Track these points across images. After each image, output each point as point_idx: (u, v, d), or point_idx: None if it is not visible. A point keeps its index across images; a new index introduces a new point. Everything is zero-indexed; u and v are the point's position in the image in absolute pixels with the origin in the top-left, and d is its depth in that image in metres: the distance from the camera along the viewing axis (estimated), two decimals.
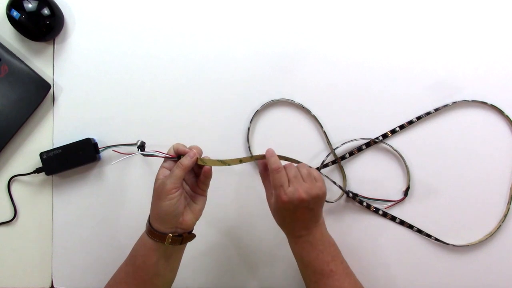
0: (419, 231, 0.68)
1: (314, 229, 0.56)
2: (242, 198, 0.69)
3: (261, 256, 0.70)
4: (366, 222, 0.69)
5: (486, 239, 0.68)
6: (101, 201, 0.69)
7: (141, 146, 0.58)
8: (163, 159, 0.55)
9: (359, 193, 0.68)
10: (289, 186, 0.54)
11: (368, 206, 0.68)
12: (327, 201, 0.68)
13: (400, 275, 0.69)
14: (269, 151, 0.57)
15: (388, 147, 0.68)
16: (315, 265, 0.55)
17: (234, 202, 0.69)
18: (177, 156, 0.54)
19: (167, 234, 0.52)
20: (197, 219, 0.55)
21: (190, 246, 0.57)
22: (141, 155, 0.56)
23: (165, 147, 0.71)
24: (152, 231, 0.53)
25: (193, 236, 0.56)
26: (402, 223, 0.68)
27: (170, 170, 0.53)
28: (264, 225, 0.69)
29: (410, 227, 0.68)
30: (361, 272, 0.69)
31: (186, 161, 0.53)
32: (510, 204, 0.67)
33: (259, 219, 0.69)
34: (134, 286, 0.54)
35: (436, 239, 0.68)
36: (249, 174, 0.69)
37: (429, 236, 0.68)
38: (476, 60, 0.68)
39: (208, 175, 0.55)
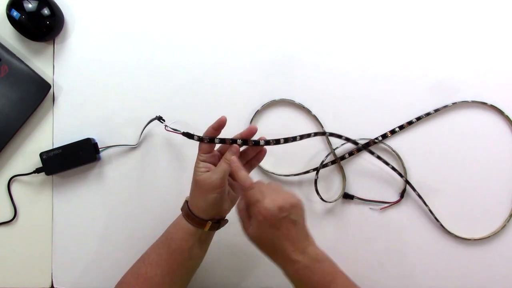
0: (434, 218, 0.68)
1: (308, 249, 0.51)
2: None
3: (262, 256, 0.69)
4: (364, 220, 0.69)
5: (489, 237, 0.68)
6: (101, 201, 0.69)
7: (159, 119, 0.64)
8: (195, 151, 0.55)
9: (358, 194, 0.68)
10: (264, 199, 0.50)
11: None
12: (325, 201, 0.68)
13: (397, 273, 0.69)
14: (234, 160, 0.53)
15: (387, 147, 0.68)
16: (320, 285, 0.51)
17: None
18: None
19: (207, 221, 0.54)
20: (233, 206, 0.57)
21: None
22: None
23: (165, 147, 0.71)
24: (192, 217, 0.54)
25: (227, 221, 0.58)
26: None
27: (210, 162, 0.54)
28: None
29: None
30: (358, 271, 0.69)
31: (229, 156, 0.53)
32: None
33: None
34: (167, 269, 0.55)
35: (442, 226, 0.68)
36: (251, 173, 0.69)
37: (436, 220, 0.67)
38: (475, 61, 0.68)
39: (261, 159, 0.57)
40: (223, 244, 0.70)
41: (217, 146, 0.57)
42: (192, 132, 0.56)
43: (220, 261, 0.69)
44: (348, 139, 0.67)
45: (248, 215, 0.53)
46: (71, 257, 0.69)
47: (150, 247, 0.58)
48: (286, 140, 0.57)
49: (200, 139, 0.54)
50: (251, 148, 0.57)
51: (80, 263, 0.70)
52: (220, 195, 0.53)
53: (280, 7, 0.69)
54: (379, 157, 0.67)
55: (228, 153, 0.54)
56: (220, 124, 0.55)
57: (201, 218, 0.54)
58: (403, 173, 0.68)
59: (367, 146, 0.68)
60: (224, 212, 0.56)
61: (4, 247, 0.69)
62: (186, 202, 0.56)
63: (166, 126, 0.61)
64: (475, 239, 0.68)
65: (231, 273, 0.70)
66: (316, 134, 0.59)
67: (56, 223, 0.69)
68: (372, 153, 0.67)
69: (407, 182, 0.67)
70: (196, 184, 0.54)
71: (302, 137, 0.58)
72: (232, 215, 0.56)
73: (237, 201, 0.55)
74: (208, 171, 0.54)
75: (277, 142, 0.56)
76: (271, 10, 0.69)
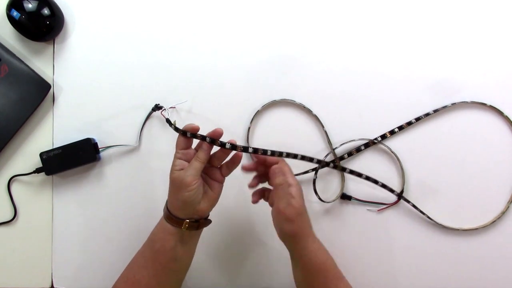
0: (427, 217, 0.68)
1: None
2: (244, 197, 0.69)
3: (262, 256, 0.70)
4: (361, 221, 0.69)
5: (477, 228, 0.68)
6: (101, 201, 0.69)
7: (157, 107, 0.66)
8: (175, 148, 0.54)
9: (356, 194, 0.69)
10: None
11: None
12: (324, 201, 0.68)
13: (396, 274, 0.69)
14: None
15: (386, 148, 0.68)
16: (332, 266, 0.56)
17: (235, 201, 0.69)
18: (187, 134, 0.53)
19: (184, 220, 0.54)
20: (213, 206, 0.56)
21: None
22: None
23: (165, 147, 0.71)
24: (169, 216, 0.54)
25: (209, 221, 0.57)
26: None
27: (185, 160, 0.54)
28: (266, 224, 0.69)
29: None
30: (355, 271, 0.69)
31: (202, 154, 0.53)
32: (511, 203, 0.68)
33: (261, 218, 0.69)
34: (153, 270, 0.55)
35: (430, 219, 0.68)
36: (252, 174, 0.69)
37: (430, 218, 0.68)
38: (475, 61, 0.68)
39: (237, 162, 0.56)
40: (214, 246, 0.70)
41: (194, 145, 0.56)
42: (172, 121, 0.56)
43: (211, 263, 0.70)
44: (319, 161, 0.66)
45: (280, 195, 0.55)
46: (71, 257, 0.70)
47: (139, 250, 0.58)
48: (256, 151, 0.54)
49: (176, 129, 0.54)
50: (222, 151, 0.55)
51: (80, 263, 0.70)
52: (192, 193, 0.52)
53: (280, 7, 0.69)
54: (358, 174, 0.67)
55: (201, 152, 0.53)
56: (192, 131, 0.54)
57: (178, 217, 0.54)
58: (401, 174, 0.68)
59: (367, 147, 0.68)
60: (202, 212, 0.54)
61: (4, 247, 0.70)
62: (167, 202, 0.56)
63: (163, 110, 0.63)
64: (471, 229, 0.68)
65: (223, 274, 0.70)
66: (288, 154, 0.57)
67: (56, 223, 0.69)
68: (352, 172, 0.68)
69: (399, 196, 0.68)
70: (170, 182, 0.54)
71: (273, 153, 0.56)
72: (218, 217, 0.56)
73: (276, 179, 0.56)
74: (182, 169, 0.53)
75: (245, 149, 0.54)
76: (271, 10, 0.69)
